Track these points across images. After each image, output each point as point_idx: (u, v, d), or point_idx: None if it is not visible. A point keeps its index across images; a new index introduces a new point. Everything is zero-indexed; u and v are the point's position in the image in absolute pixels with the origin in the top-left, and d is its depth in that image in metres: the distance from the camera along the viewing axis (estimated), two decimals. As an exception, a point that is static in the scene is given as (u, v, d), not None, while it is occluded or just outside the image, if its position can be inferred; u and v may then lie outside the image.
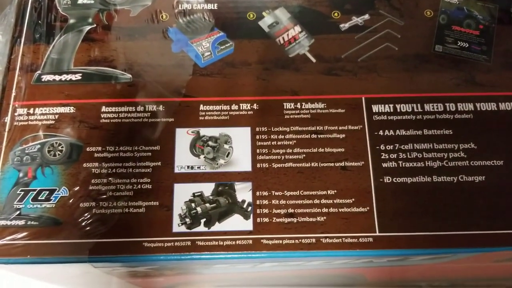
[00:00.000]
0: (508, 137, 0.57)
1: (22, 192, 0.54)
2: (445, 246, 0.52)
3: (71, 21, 0.62)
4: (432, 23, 0.63)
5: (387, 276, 0.74)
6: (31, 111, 0.57)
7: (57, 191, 0.54)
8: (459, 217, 0.53)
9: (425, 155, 0.56)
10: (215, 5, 0.64)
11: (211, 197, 0.54)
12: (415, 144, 0.56)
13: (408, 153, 0.56)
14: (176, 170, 0.55)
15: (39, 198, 0.54)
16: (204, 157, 0.56)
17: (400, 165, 0.55)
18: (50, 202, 0.53)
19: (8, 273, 0.59)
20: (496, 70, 0.60)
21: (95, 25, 0.62)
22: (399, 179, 0.55)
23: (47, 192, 0.54)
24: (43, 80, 0.59)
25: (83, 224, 0.52)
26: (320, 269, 0.67)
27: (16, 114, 0.57)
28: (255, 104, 0.58)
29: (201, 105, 0.58)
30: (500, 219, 0.53)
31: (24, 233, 0.52)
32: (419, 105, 0.58)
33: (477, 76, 0.60)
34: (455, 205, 0.54)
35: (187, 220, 0.53)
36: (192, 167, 0.55)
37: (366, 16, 0.63)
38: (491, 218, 0.53)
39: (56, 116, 0.57)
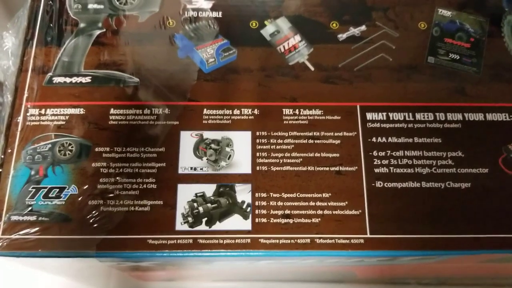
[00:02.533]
0: (494, 146, 0.59)
1: (34, 189, 0.56)
2: (432, 248, 0.55)
3: (82, 25, 0.64)
4: (425, 35, 0.65)
5: (377, 273, 0.77)
6: (42, 111, 0.59)
7: (67, 189, 0.56)
8: (445, 221, 0.56)
9: (415, 162, 0.58)
10: (220, 13, 0.66)
11: (212, 198, 0.56)
12: (406, 151, 0.59)
13: (399, 160, 0.58)
14: (180, 171, 0.57)
15: (49, 195, 0.56)
16: (207, 159, 0.58)
17: (391, 171, 0.58)
18: (60, 199, 0.56)
19: (14, 266, 0.62)
20: (485, 82, 0.63)
21: (104, 30, 0.64)
22: (390, 184, 0.57)
23: (58, 189, 0.56)
24: (54, 82, 0.61)
25: (91, 221, 0.55)
26: (313, 266, 0.70)
27: (28, 114, 0.59)
28: (255, 109, 0.60)
29: (205, 109, 0.60)
30: (484, 223, 0.56)
31: (36, 228, 0.54)
32: (410, 114, 0.60)
33: (467, 87, 0.62)
34: (442, 209, 0.56)
35: (190, 219, 0.55)
36: (195, 169, 0.57)
37: (363, 27, 0.65)
38: (475, 223, 0.56)
39: (67, 117, 0.59)
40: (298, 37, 0.65)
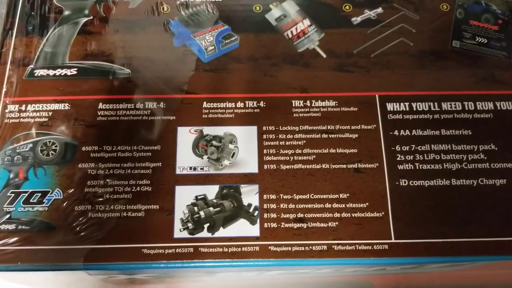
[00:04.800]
0: (530, 138, 0.55)
1: (13, 194, 0.52)
2: (464, 254, 0.50)
3: (66, 12, 0.60)
4: (448, 17, 0.61)
5: (396, 282, 0.72)
6: (23, 107, 0.55)
7: (50, 193, 0.52)
8: (479, 223, 0.51)
9: (443, 157, 0.53)
10: (219, -4, 0.62)
11: (215, 201, 0.52)
12: (432, 145, 0.54)
13: (425, 155, 0.54)
14: (178, 172, 0.53)
15: (30, 200, 0.51)
16: (208, 157, 0.53)
17: (417, 167, 0.53)
18: (43, 205, 0.51)
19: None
20: (516, 67, 0.59)
21: (91, 17, 0.61)
22: (415, 182, 0.52)
23: (40, 194, 0.52)
24: (36, 75, 0.57)
25: (78, 229, 0.50)
26: (327, 276, 0.64)
27: (7, 111, 0.55)
28: (262, 102, 0.56)
29: (205, 102, 0.56)
30: (523, 225, 0.51)
31: (15, 239, 0.50)
32: (436, 103, 0.56)
33: (497, 74, 0.58)
34: (475, 210, 0.52)
35: (190, 225, 0.51)
36: (194, 168, 0.53)
37: (379, 10, 0.61)
38: (513, 224, 0.51)
39: (50, 113, 0.55)
40: (307, 22, 0.60)
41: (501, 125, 0.55)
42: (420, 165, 0.53)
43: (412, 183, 0.52)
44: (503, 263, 0.54)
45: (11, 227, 0.50)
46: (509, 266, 0.59)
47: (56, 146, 0.53)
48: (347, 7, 0.61)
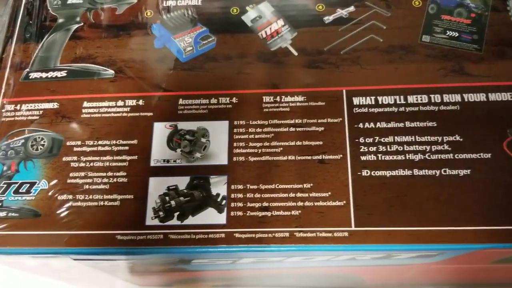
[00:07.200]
0: (498, 129, 0.54)
1: (5, 185, 0.55)
2: (424, 242, 0.50)
3: (60, 20, 0.64)
4: (420, 13, 0.61)
5: (385, 278, 0.72)
6: (18, 107, 0.59)
7: (37, 184, 0.55)
8: (441, 212, 0.51)
9: (406, 148, 0.54)
10: (199, 0, 0.64)
11: (185, 191, 0.54)
12: (396, 137, 0.54)
13: (388, 146, 0.54)
14: (152, 164, 0.55)
15: (20, 190, 0.55)
16: (181, 150, 0.55)
17: (379, 158, 0.53)
18: (30, 194, 0.55)
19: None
20: (487, 60, 0.58)
21: (82, 24, 0.64)
22: (377, 173, 0.53)
23: (28, 184, 0.55)
24: (31, 77, 0.61)
25: (61, 216, 0.53)
26: (315, 267, 0.65)
27: (4, 110, 0.59)
28: (234, 98, 0.58)
29: (180, 99, 0.58)
30: (486, 214, 0.50)
31: (4, 224, 0.53)
32: (402, 97, 0.56)
33: (466, 66, 0.57)
34: (437, 199, 0.51)
35: (161, 213, 0.53)
36: (168, 161, 0.55)
37: (351, 8, 0.62)
38: (476, 214, 0.50)
39: (41, 112, 0.59)
40: (281, 22, 0.62)
41: (468, 116, 0.55)
42: (383, 156, 0.53)
43: (374, 173, 0.53)
44: (479, 255, 0.53)
45: (2, 214, 0.54)
46: (487, 260, 0.59)
47: (44, 141, 0.57)
48: (320, 7, 0.62)
